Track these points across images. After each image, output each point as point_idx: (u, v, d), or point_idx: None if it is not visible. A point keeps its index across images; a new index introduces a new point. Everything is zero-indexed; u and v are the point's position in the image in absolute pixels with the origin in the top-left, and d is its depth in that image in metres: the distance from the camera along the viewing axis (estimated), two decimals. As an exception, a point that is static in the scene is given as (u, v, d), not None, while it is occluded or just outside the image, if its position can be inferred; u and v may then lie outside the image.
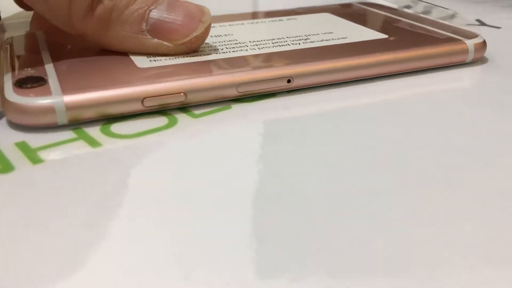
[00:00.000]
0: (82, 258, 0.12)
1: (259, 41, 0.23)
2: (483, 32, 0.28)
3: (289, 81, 0.20)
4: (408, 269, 0.12)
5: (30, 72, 0.19)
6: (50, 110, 0.17)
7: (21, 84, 0.18)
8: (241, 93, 0.20)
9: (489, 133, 0.18)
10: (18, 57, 0.21)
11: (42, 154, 0.16)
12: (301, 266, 0.12)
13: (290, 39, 0.23)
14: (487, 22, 0.30)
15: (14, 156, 0.16)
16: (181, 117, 0.19)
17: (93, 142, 0.17)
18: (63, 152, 0.17)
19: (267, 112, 0.19)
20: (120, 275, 0.12)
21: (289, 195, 0.15)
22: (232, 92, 0.20)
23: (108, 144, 0.17)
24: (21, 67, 0.19)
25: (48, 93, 0.18)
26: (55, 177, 0.15)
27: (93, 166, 0.16)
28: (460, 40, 0.23)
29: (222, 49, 0.22)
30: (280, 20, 0.27)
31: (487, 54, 0.24)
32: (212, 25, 0.25)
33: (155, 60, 0.20)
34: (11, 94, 0.18)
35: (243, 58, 0.21)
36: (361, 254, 0.12)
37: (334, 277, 0.12)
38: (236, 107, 0.19)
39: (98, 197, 0.14)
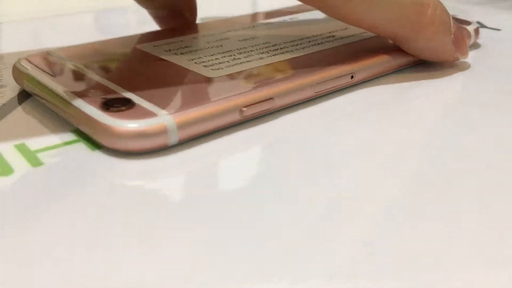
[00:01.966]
0: (82, 260, 0.12)
1: (292, 42, 0.23)
2: (484, 34, 0.28)
3: (352, 77, 0.21)
4: (408, 271, 0.12)
5: (98, 93, 0.18)
6: (162, 131, 0.16)
7: (108, 107, 0.17)
8: (316, 93, 0.20)
9: (491, 133, 0.18)
10: (65, 79, 0.19)
11: (42, 157, 0.16)
12: (301, 268, 0.12)
13: (320, 37, 0.23)
14: (487, 24, 0.30)
15: (14, 158, 0.16)
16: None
17: (93, 145, 0.17)
18: (63, 155, 0.16)
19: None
20: (117, 274, 0.12)
21: (288, 196, 0.14)
22: (310, 93, 0.19)
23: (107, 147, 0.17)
24: (84, 90, 0.18)
25: (151, 114, 0.16)
26: (55, 180, 0.15)
27: (92, 169, 0.16)
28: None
29: (268, 51, 0.22)
30: (284, 20, 0.27)
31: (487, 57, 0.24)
32: (231, 28, 0.25)
33: (217, 69, 0.20)
34: (109, 119, 0.16)
35: (300, 59, 0.21)
36: (361, 256, 0.12)
37: (335, 280, 0.12)
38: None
39: (98, 200, 0.14)
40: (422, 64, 0.23)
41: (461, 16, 0.26)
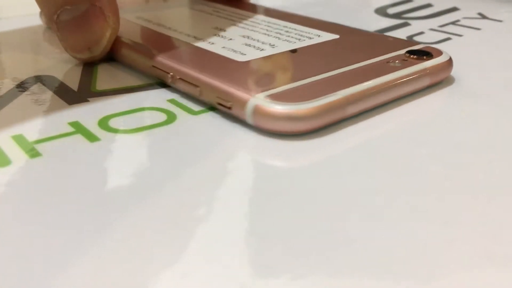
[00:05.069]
0: (78, 254, 0.12)
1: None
2: (485, 25, 0.28)
3: None
4: (409, 268, 0.12)
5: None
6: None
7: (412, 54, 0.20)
8: None
9: (492, 129, 0.18)
10: None
11: (40, 148, 0.16)
12: (301, 265, 0.12)
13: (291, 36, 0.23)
14: (489, 16, 0.29)
15: (11, 149, 0.16)
16: (180, 113, 0.19)
17: (91, 136, 0.17)
18: (61, 146, 0.16)
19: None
20: (114, 271, 0.12)
21: (289, 193, 0.14)
22: None
23: (106, 139, 0.17)
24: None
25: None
26: (52, 172, 0.15)
27: (91, 161, 0.16)
28: None
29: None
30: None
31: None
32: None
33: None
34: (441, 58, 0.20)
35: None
36: (361, 253, 0.12)
37: (334, 276, 0.11)
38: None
39: (95, 193, 0.14)
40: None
41: (462, 9, 0.26)
